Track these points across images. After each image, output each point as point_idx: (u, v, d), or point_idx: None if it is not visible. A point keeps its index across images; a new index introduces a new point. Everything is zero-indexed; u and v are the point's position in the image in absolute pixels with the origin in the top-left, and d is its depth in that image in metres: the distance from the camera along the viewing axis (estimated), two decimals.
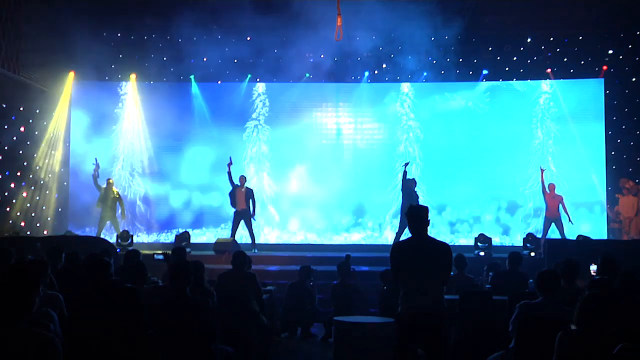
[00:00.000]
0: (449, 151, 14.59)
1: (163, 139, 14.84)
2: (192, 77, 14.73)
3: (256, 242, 13.19)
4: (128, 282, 5.36)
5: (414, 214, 5.40)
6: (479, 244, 12.44)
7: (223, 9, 12.63)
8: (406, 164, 12.89)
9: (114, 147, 14.87)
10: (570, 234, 13.15)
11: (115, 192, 13.42)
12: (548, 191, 13.00)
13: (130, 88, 14.90)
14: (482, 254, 12.20)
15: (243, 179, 13.22)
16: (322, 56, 14.24)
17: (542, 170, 13.09)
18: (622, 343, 3.55)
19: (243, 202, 13.07)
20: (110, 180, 13.51)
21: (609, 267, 6.08)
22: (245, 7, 12.52)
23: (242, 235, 13.35)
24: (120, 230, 12.84)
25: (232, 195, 13.11)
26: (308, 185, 14.55)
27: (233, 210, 13.20)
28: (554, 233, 13.07)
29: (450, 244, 5.58)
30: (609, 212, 13.94)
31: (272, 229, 14.68)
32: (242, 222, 13.13)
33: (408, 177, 12.82)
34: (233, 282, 7.24)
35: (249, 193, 13.16)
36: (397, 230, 13.13)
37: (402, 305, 5.29)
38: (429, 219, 5.38)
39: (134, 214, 14.68)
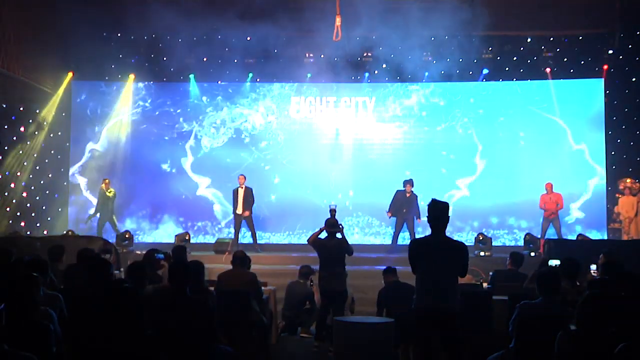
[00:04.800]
0: (447, 150, 14.61)
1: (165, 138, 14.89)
2: (191, 76, 14.73)
3: (257, 241, 13.20)
4: (129, 282, 5.34)
5: (434, 210, 5.42)
6: (479, 244, 12.44)
7: (223, 9, 12.62)
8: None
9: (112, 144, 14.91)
10: (571, 233, 13.20)
11: (113, 192, 13.60)
12: (545, 191, 13.20)
13: (128, 88, 14.91)
14: (482, 254, 12.19)
15: (243, 178, 13.20)
16: (322, 56, 14.24)
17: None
18: (622, 343, 3.55)
19: (245, 203, 13.07)
20: (107, 181, 13.63)
21: (613, 268, 6.06)
22: (246, 7, 12.52)
23: (243, 235, 13.36)
24: (117, 227, 12.99)
25: (235, 196, 13.09)
26: (308, 185, 14.53)
27: (232, 211, 13.21)
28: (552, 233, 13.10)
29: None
30: (609, 213, 13.93)
31: (271, 230, 14.68)
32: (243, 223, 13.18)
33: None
34: (233, 282, 7.24)
35: (249, 192, 13.16)
36: (394, 230, 13.18)
37: (416, 302, 5.35)
38: (448, 215, 5.40)
39: (136, 213, 14.70)
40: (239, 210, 13.08)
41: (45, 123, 13.87)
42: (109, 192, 13.58)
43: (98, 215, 13.66)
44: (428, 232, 5.62)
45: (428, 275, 5.33)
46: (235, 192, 13.14)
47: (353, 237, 14.44)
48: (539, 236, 12.86)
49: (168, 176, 14.80)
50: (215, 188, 14.74)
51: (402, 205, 13.02)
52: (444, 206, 5.43)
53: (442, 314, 5.28)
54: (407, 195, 13.02)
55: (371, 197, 14.39)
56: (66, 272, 6.49)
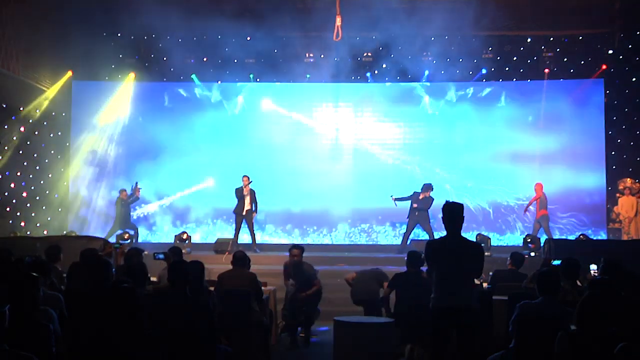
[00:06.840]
0: (448, 150, 14.62)
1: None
2: (193, 75, 14.72)
3: (256, 242, 13.20)
4: (128, 282, 5.34)
5: (449, 212, 5.44)
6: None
7: (222, 9, 12.62)
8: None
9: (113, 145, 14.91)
10: (571, 234, 13.19)
11: (127, 199, 13.64)
12: (534, 194, 13.41)
13: (128, 87, 14.92)
14: None
15: (247, 179, 13.16)
16: (322, 56, 14.24)
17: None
18: (622, 343, 3.55)
19: (247, 204, 13.05)
20: (125, 192, 13.68)
21: (613, 268, 6.06)
22: (246, 7, 12.52)
23: (242, 235, 13.36)
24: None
25: (239, 197, 13.04)
26: (308, 185, 14.51)
27: (233, 210, 13.20)
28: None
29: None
30: (609, 212, 13.94)
31: (271, 230, 14.68)
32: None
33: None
34: (233, 282, 7.24)
35: (252, 194, 13.14)
36: (404, 232, 13.15)
37: (435, 302, 5.42)
38: (463, 216, 5.42)
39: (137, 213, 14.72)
40: (242, 211, 13.05)
41: (45, 123, 13.86)
42: (125, 201, 13.62)
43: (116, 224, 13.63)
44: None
45: (445, 276, 5.37)
46: (239, 193, 13.10)
47: (355, 239, 14.56)
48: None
49: (169, 175, 14.78)
50: (217, 188, 14.73)
51: (412, 203, 12.94)
52: (459, 207, 5.45)
53: (463, 314, 5.31)
54: (420, 197, 12.93)
55: (371, 197, 14.39)
56: (69, 271, 6.49)
